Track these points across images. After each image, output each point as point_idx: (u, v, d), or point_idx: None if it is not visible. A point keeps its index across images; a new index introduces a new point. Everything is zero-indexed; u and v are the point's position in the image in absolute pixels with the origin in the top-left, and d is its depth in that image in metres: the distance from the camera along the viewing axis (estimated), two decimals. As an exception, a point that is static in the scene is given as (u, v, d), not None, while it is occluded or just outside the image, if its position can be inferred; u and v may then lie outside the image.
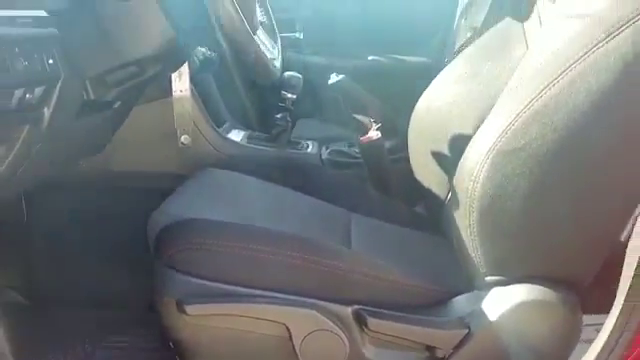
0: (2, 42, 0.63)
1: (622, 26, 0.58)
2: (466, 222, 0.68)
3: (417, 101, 1.16)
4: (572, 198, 0.64)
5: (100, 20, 0.77)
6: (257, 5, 0.95)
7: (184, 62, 0.97)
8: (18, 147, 0.73)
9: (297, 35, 1.80)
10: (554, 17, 0.91)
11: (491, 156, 0.64)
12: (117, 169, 1.12)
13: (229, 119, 1.31)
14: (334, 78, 1.10)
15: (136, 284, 0.85)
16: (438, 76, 1.08)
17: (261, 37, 0.86)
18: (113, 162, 1.11)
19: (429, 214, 1.09)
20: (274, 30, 0.97)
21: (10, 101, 0.67)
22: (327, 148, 1.30)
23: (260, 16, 0.96)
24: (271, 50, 0.88)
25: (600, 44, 0.59)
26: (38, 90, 0.71)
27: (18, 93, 0.67)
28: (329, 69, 1.79)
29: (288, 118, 1.23)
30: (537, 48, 0.91)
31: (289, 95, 1.19)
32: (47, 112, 0.75)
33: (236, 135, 1.25)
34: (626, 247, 0.65)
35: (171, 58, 0.92)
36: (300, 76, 1.20)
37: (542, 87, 0.61)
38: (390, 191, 1.14)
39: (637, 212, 0.66)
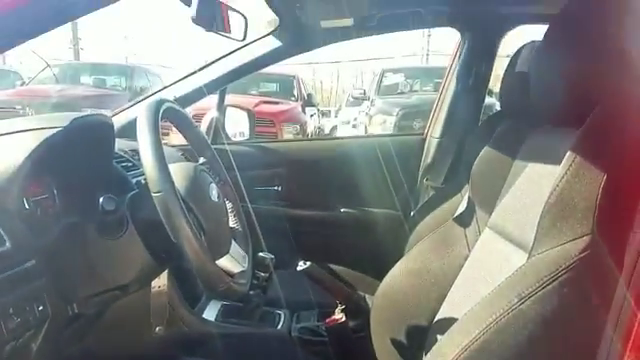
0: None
1: (532, 292, 0.70)
2: None
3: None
4: None
5: (88, 257, 0.87)
6: (232, 215, 1.08)
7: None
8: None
9: (277, 188, 1.97)
10: (488, 232, 1.05)
11: None
12: (98, 353, 1.18)
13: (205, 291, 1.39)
14: (302, 265, 1.20)
15: None
16: (395, 266, 1.20)
17: (232, 251, 0.97)
18: (93, 347, 1.17)
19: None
20: (246, 236, 1.08)
21: (1, 355, 0.74)
22: (298, 319, 1.38)
23: (233, 224, 1.09)
24: (240, 262, 0.99)
25: (513, 307, 0.70)
26: (27, 334, 0.79)
27: (9, 347, 0.75)
28: (304, 219, 1.95)
29: (261, 294, 1.32)
30: (466, 283, 1.05)
31: (262, 274, 1.30)
32: (34, 346, 0.82)
33: (212, 310, 1.33)
34: None
35: (152, 277, 1.02)
36: (272, 256, 1.32)
37: (465, 342, 0.72)
38: (354, 370, 1.21)
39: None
